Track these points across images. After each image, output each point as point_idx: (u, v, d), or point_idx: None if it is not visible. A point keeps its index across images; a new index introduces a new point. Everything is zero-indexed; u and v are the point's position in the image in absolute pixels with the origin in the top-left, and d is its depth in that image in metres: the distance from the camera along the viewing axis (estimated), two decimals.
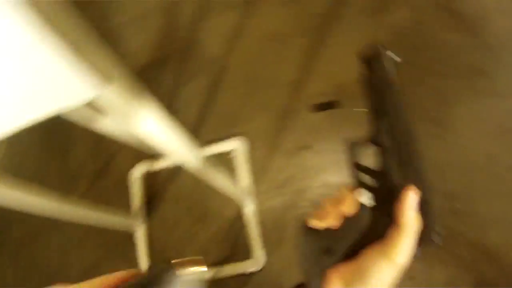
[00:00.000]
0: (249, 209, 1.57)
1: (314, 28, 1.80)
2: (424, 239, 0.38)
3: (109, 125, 1.03)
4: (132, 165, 1.74)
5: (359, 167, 0.46)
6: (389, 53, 0.45)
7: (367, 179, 0.44)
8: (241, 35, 1.85)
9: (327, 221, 0.43)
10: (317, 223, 0.44)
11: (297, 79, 1.72)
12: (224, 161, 1.67)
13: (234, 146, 1.67)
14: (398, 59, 0.45)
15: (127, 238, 1.63)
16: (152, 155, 1.66)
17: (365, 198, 0.43)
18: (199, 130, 1.74)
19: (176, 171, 1.70)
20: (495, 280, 1.34)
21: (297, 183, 1.59)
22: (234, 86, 1.78)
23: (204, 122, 1.75)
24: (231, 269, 1.50)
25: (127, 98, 0.66)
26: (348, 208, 0.42)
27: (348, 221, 0.42)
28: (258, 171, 1.63)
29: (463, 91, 1.60)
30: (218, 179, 1.28)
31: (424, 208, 0.39)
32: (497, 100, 1.58)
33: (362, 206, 0.43)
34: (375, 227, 0.41)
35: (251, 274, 1.50)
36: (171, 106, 1.79)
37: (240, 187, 1.59)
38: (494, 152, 1.49)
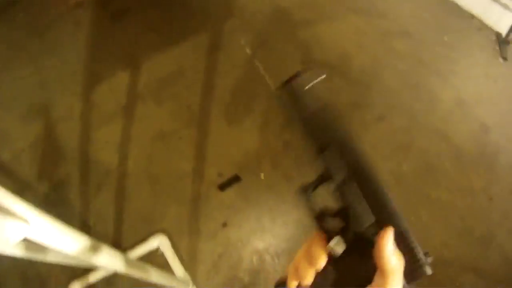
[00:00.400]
0: None
1: (195, 118, 1.92)
2: (414, 274, 0.35)
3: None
4: (66, 285, 1.65)
5: (319, 213, 0.41)
6: (310, 75, 0.42)
7: (331, 222, 0.40)
8: (131, 140, 1.90)
9: (301, 280, 0.40)
10: (292, 285, 0.41)
11: (196, 166, 1.79)
12: (154, 258, 1.66)
13: (158, 243, 1.67)
14: (323, 75, 0.42)
15: None
16: (84, 269, 1.61)
17: (334, 242, 0.38)
18: (121, 237, 1.71)
19: (113, 278, 1.65)
20: None
21: (229, 258, 1.62)
22: (140, 188, 1.81)
23: (122, 228, 1.73)
24: None
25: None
26: (319, 261, 0.39)
27: (321, 273, 0.39)
28: (190, 258, 1.64)
29: (352, 126, 1.81)
30: (153, 277, 1.29)
31: (403, 242, 0.36)
32: (384, 123, 1.80)
33: (333, 252, 0.38)
34: (352, 272, 0.38)
35: None
36: (86, 222, 1.76)
37: (177, 278, 1.59)
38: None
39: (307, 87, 0.41)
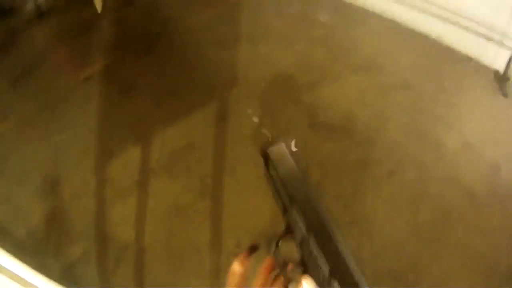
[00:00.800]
0: None
1: (208, 190, 1.99)
2: None
3: None
4: None
5: (282, 262, 0.45)
6: (283, 146, 0.46)
7: (292, 271, 0.44)
8: (147, 215, 1.96)
9: None
10: None
11: (213, 238, 1.85)
12: None
13: None
14: (294, 149, 0.49)
15: None
16: None
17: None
18: None
19: None
20: None
21: None
22: (158, 262, 1.84)
23: None
24: None
25: None
26: None
27: None
28: None
29: (362, 184, 1.88)
30: None
31: None
32: (394, 177, 1.86)
33: None
34: None
35: None
36: None
37: None
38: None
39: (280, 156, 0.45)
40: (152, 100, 2.44)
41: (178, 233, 1.90)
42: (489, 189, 1.79)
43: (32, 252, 1.91)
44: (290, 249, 0.46)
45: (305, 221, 0.41)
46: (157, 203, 2.01)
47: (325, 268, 0.38)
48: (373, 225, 1.76)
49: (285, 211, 0.45)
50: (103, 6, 3.35)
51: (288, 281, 0.43)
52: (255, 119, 2.24)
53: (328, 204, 1.79)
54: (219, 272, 1.78)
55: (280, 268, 0.46)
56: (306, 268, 0.42)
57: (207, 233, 1.87)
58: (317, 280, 0.40)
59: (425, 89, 2.30)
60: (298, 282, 0.41)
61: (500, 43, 2.37)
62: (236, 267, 0.48)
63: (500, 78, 2.27)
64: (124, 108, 2.43)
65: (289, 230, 0.45)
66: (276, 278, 0.46)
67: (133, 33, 2.88)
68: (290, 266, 0.44)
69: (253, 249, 0.49)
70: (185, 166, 2.09)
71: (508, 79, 2.24)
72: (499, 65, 2.33)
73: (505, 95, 2.17)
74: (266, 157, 0.47)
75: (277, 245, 0.45)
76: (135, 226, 1.96)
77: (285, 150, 0.45)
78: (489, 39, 2.36)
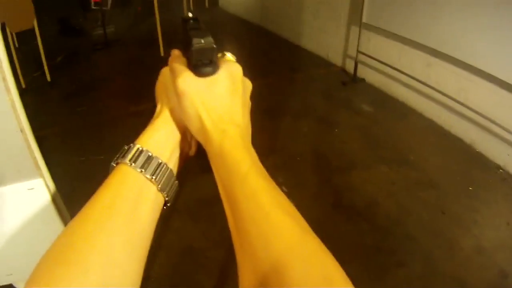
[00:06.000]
0: None
1: (226, 240, 2.10)
2: (190, 57, 0.47)
3: None
4: None
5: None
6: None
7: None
8: (161, 248, 2.07)
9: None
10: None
11: (218, 284, 1.91)
12: None
13: None
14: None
15: None
16: None
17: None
18: None
19: None
20: None
21: None
22: None
23: None
24: None
25: None
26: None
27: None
28: None
29: (370, 270, 1.97)
30: None
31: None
32: (403, 269, 1.95)
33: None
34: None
35: None
36: None
37: None
38: None
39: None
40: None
41: (185, 272, 1.99)
42: None
43: None
44: None
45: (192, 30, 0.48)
46: (174, 240, 2.15)
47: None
48: None
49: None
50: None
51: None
52: (284, 189, 2.42)
53: None
54: None
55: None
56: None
57: (213, 280, 1.96)
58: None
59: (450, 191, 2.41)
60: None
61: None
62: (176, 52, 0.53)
63: None
64: None
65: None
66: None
67: None
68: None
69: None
70: (209, 214, 2.25)
71: None
72: None
73: None
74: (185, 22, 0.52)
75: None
76: (148, 255, 2.08)
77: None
78: None
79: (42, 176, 0.77)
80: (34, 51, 3.92)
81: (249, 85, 0.52)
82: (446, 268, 1.93)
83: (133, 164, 0.44)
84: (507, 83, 2.47)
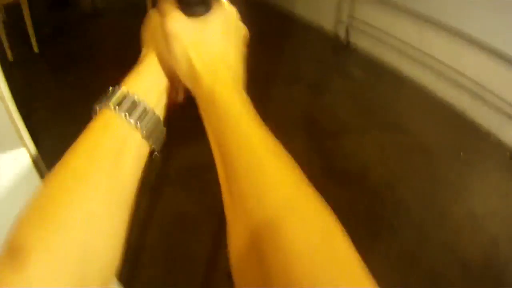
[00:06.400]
0: None
1: (218, 208, 2.09)
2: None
3: None
4: None
5: None
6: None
7: None
8: (152, 217, 2.05)
9: None
10: None
11: (211, 254, 1.90)
12: None
13: None
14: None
15: None
16: None
17: None
18: None
19: None
20: None
21: None
22: (154, 262, 1.90)
23: None
24: None
25: None
26: None
27: None
28: None
29: (360, 235, 1.95)
30: None
31: None
32: (393, 235, 1.94)
33: None
34: None
35: None
36: None
37: None
38: None
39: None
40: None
41: (178, 241, 1.98)
42: (485, 261, 1.83)
43: None
44: None
45: None
46: (165, 209, 2.12)
47: None
48: None
49: None
50: None
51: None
52: None
53: None
54: (209, 287, 1.86)
55: None
56: None
57: (206, 248, 1.94)
58: None
59: (442, 156, 2.39)
60: None
61: None
62: None
63: None
64: None
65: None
66: None
67: None
68: None
69: None
70: (200, 182, 2.21)
71: None
72: None
73: None
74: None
75: None
76: (140, 225, 2.03)
77: None
78: (511, 117, 2.43)
79: (25, 145, 0.74)
80: (22, 24, 3.75)
81: (244, 31, 0.49)
82: (437, 233, 1.93)
83: (117, 107, 0.41)
84: (501, 51, 2.42)
